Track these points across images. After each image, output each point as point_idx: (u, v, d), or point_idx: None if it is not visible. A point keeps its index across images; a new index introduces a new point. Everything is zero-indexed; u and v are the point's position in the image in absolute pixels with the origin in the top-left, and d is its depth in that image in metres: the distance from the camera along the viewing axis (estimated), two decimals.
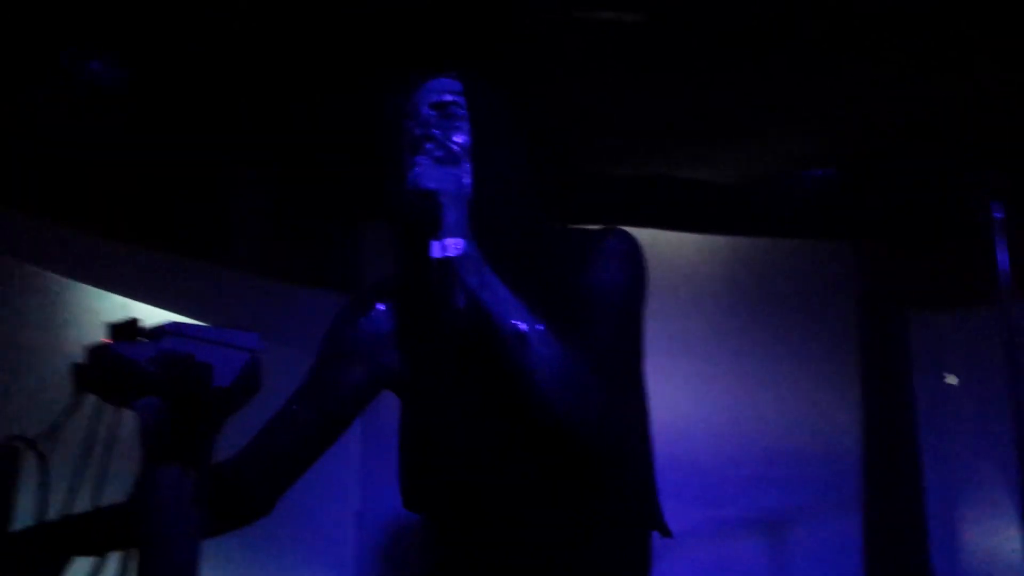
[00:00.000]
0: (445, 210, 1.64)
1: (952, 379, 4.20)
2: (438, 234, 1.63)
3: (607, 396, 1.64)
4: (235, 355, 1.40)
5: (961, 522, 4.14)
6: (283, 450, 1.77)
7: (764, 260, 4.40)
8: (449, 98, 1.77)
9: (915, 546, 4.10)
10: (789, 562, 4.05)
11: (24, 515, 1.45)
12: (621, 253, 1.78)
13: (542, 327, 1.62)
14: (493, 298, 1.63)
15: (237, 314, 3.61)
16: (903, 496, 4.16)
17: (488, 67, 1.87)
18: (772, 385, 4.23)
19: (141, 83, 3.50)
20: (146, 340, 1.39)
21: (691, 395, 4.16)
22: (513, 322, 1.62)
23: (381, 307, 1.88)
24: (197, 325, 1.42)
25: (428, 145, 1.73)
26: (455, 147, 1.75)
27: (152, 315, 1.52)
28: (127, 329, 1.40)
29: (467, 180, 1.72)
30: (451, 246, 1.62)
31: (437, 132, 1.74)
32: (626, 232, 1.81)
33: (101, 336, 1.39)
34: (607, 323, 1.72)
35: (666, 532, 1.84)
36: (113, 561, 1.40)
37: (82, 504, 1.46)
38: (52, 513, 1.45)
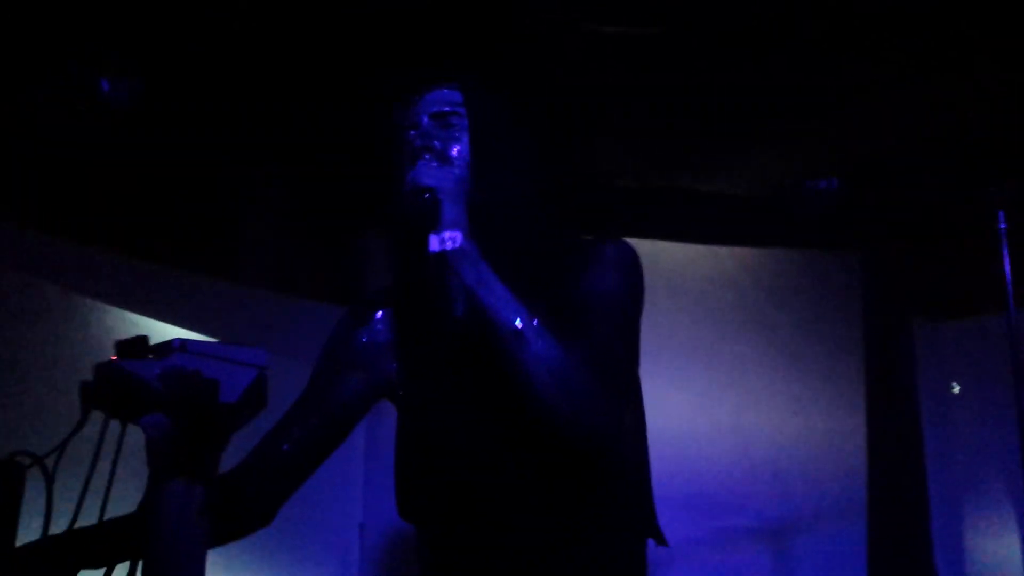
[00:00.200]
0: (444, 206, 1.65)
1: (957, 388, 4.21)
2: (437, 229, 1.63)
3: (603, 398, 1.63)
4: (241, 371, 1.41)
5: (965, 530, 4.14)
6: (283, 460, 1.77)
7: (770, 270, 4.42)
8: (449, 108, 1.78)
9: (919, 554, 4.10)
10: (794, 570, 4.06)
11: (30, 531, 1.45)
12: (618, 261, 1.79)
13: (538, 324, 1.62)
14: (490, 295, 1.63)
15: (243, 328, 3.63)
16: (907, 504, 4.16)
17: (489, 75, 1.87)
18: (778, 394, 4.24)
19: (144, 89, 3.50)
20: (153, 357, 1.40)
21: (697, 404, 4.17)
22: (510, 318, 1.62)
23: (379, 316, 1.89)
24: (203, 341, 1.43)
25: (427, 155, 1.73)
26: (454, 156, 1.75)
27: (160, 331, 1.53)
28: (134, 346, 1.41)
29: (465, 178, 1.73)
30: (449, 239, 1.63)
31: (437, 143, 1.74)
32: (624, 241, 1.82)
33: (109, 353, 1.40)
34: (603, 328, 1.71)
35: (661, 540, 1.85)
36: (119, 574, 1.41)
37: (88, 520, 1.46)
38: (57, 529, 1.45)
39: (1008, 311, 2.82)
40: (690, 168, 4.16)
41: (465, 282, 1.64)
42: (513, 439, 1.68)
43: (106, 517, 1.45)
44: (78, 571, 1.51)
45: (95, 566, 1.49)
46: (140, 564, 1.36)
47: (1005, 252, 2.81)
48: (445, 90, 1.80)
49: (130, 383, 1.37)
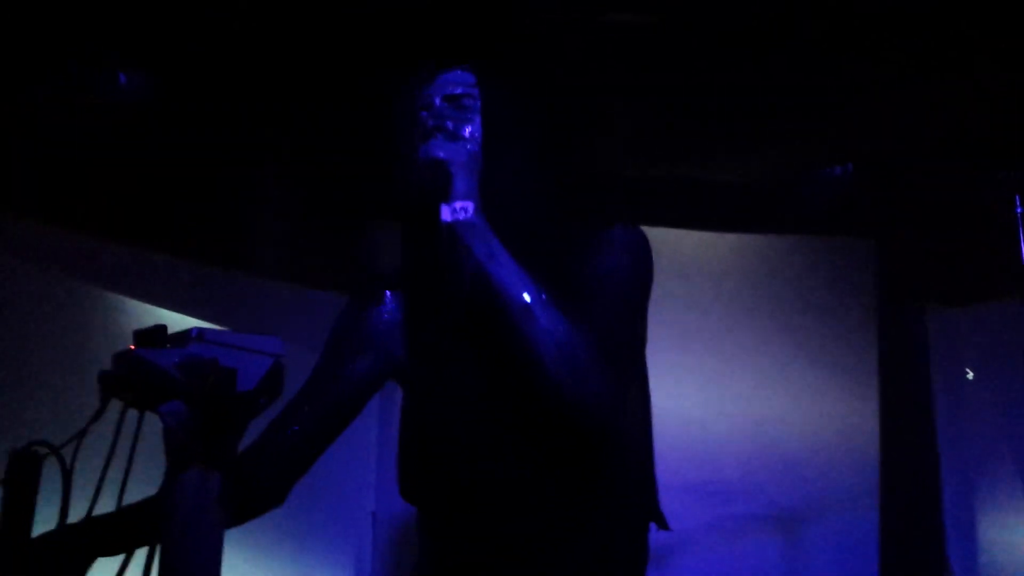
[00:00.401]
0: (456, 178, 1.67)
1: (971, 374, 4.20)
2: (449, 201, 1.65)
3: (609, 375, 1.64)
4: (258, 360, 1.42)
5: (978, 517, 4.13)
6: (293, 440, 1.78)
7: (783, 257, 4.40)
8: (462, 90, 1.79)
9: (931, 540, 4.10)
10: (805, 558, 4.06)
11: (47, 521, 1.45)
12: (627, 244, 1.80)
13: (546, 299, 1.63)
14: (500, 268, 1.64)
15: (258, 318, 3.64)
16: (920, 491, 4.15)
17: (503, 59, 1.88)
18: (790, 381, 4.23)
19: (147, 86, 3.50)
20: (171, 346, 1.41)
21: (709, 391, 4.16)
22: (519, 292, 1.63)
23: (387, 297, 1.89)
24: (221, 331, 1.44)
25: (439, 135, 1.74)
26: (466, 137, 1.76)
27: (176, 322, 1.53)
28: (153, 335, 1.42)
29: (477, 154, 1.73)
30: (461, 210, 1.64)
31: (450, 124, 1.75)
32: (633, 225, 1.83)
33: (125, 344, 1.41)
34: (610, 310, 1.72)
35: (663, 524, 1.85)
36: (137, 561, 1.40)
37: (105, 510, 1.47)
38: (74, 519, 1.45)
39: (1023, 297, 2.82)
40: (699, 162, 4.17)
41: (475, 255, 1.65)
42: (518, 419, 1.69)
43: (123, 505, 1.46)
44: (95, 559, 1.51)
45: (112, 553, 1.49)
46: (157, 552, 1.35)
47: (1022, 237, 2.82)
48: (458, 71, 1.81)
49: (148, 372, 1.37)
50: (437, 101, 1.78)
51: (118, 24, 3.32)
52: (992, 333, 4.03)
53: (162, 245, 3.70)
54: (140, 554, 1.41)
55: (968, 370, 4.21)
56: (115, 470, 1.43)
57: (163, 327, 1.43)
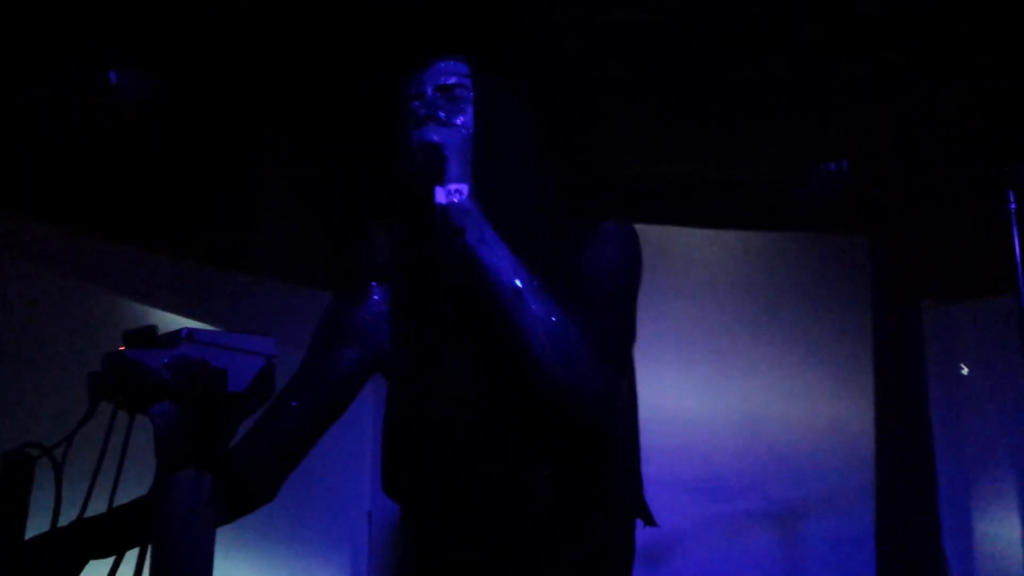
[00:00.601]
0: (449, 161, 1.66)
1: (965, 370, 4.19)
2: (443, 183, 1.65)
3: (600, 364, 1.64)
4: (249, 360, 1.41)
5: (974, 514, 4.10)
6: (283, 436, 1.76)
7: (778, 254, 4.39)
8: (455, 80, 1.78)
9: (928, 538, 4.08)
10: (802, 555, 4.05)
11: (39, 522, 1.44)
12: (616, 237, 1.79)
13: (538, 287, 1.63)
14: (492, 254, 1.64)
15: (255, 317, 3.64)
16: (916, 488, 4.14)
17: (497, 50, 1.88)
18: (786, 378, 4.22)
19: (143, 85, 3.51)
20: (161, 347, 1.39)
21: (706, 389, 4.16)
22: (511, 279, 1.63)
23: (374, 290, 1.89)
24: (211, 331, 1.43)
25: (432, 124, 1.74)
26: (459, 125, 1.76)
27: (168, 321, 1.52)
28: (143, 336, 1.41)
29: (470, 140, 1.73)
30: (455, 192, 1.64)
31: (442, 114, 1.75)
32: (623, 220, 1.82)
33: (117, 344, 1.40)
34: (601, 301, 1.72)
35: (650, 520, 1.84)
36: (129, 563, 1.40)
37: (97, 511, 1.46)
38: (66, 520, 1.45)
39: (1018, 292, 2.80)
40: (697, 159, 4.16)
41: (467, 240, 1.64)
42: (509, 410, 1.67)
43: (115, 507, 1.45)
44: (87, 561, 1.50)
45: (104, 555, 1.49)
46: (148, 553, 1.35)
47: (1015, 232, 2.80)
48: (452, 62, 1.80)
49: (138, 373, 1.36)
50: (430, 91, 1.78)
51: (118, 24, 3.32)
52: (988, 329, 4.00)
53: (158, 244, 3.70)
54: (132, 556, 1.41)
55: (963, 365, 4.19)
56: (107, 471, 1.42)
57: (153, 327, 1.42)
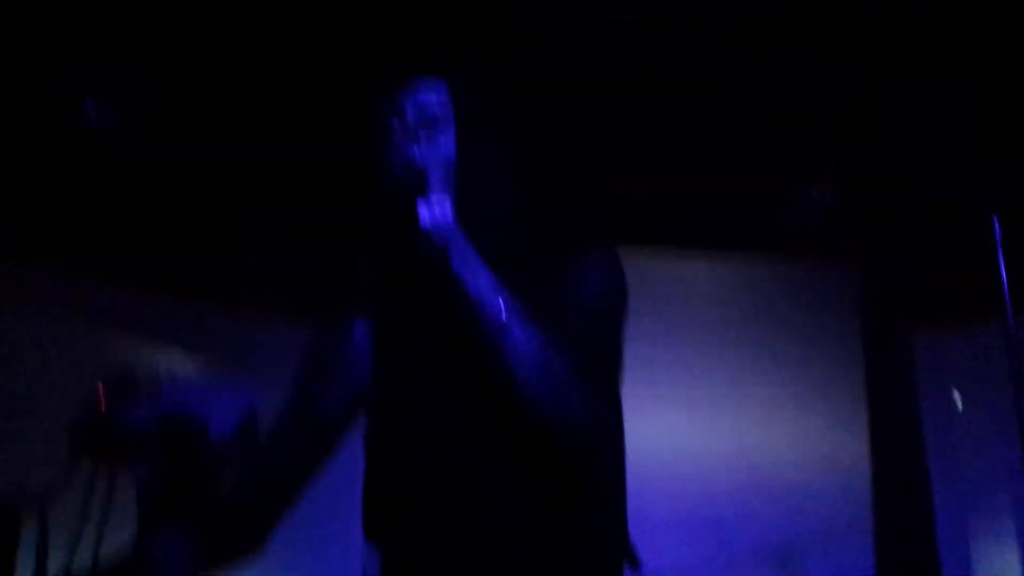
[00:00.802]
0: (431, 180, 1.63)
1: (960, 401, 4.16)
2: (426, 200, 1.61)
3: (584, 392, 1.59)
4: (230, 408, 1.40)
5: (972, 545, 4.07)
6: (271, 484, 1.71)
7: (767, 281, 4.36)
8: (434, 99, 1.76)
9: (926, 566, 4.02)
10: None
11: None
12: (602, 265, 1.74)
13: (522, 312, 1.59)
14: (475, 278, 1.60)
15: (240, 355, 3.62)
16: (913, 516, 4.10)
17: (478, 72, 1.87)
18: (779, 408, 4.18)
19: (128, 111, 3.52)
20: (141, 397, 1.36)
21: (698, 420, 4.12)
22: (494, 303, 1.59)
23: (355, 322, 1.86)
24: (192, 379, 1.41)
25: (412, 144, 1.72)
26: (439, 149, 1.74)
27: (157, 360, 1.49)
28: (122, 384, 1.37)
29: (451, 163, 1.71)
30: (437, 205, 1.60)
31: (422, 133, 1.73)
32: (608, 248, 1.77)
33: (97, 394, 1.36)
34: (587, 329, 1.67)
35: (634, 561, 1.80)
36: None
37: (80, 564, 1.41)
38: (50, 573, 1.40)
39: (1005, 319, 2.80)
40: (685, 174, 4.15)
41: (450, 262, 1.60)
42: (494, 440, 1.62)
43: (99, 563, 1.40)
44: None
45: None
46: None
47: (1001, 259, 2.79)
48: (431, 84, 1.77)
49: (119, 427, 1.33)
50: (408, 113, 1.75)
51: (118, 24, 3.32)
52: (979, 356, 3.97)
53: (147, 281, 3.71)
54: None
55: (957, 394, 4.16)
56: (91, 523, 1.38)
57: (134, 377, 1.39)
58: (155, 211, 3.75)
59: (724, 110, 3.68)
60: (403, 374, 1.74)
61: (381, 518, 1.71)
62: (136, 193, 3.70)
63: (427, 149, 1.68)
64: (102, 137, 3.49)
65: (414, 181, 1.64)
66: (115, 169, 3.63)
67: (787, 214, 4.15)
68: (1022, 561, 3.95)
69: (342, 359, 1.81)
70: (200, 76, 3.56)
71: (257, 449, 1.64)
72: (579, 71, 3.55)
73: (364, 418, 1.80)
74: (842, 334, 4.29)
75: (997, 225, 2.80)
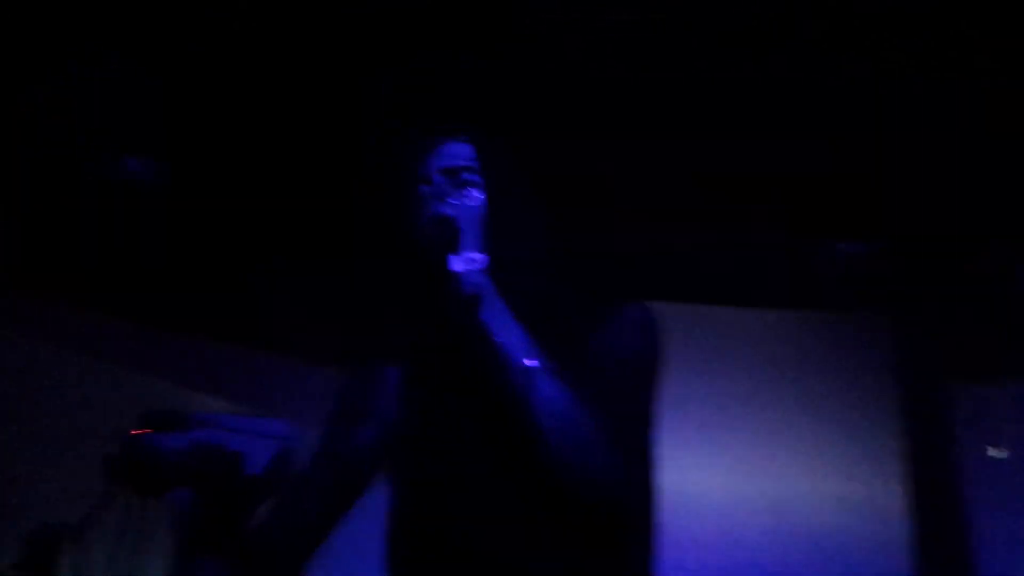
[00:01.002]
0: (463, 234, 1.64)
1: (996, 452, 4.07)
2: (458, 252, 1.62)
3: (613, 451, 1.56)
4: (265, 443, 1.43)
5: None
6: (303, 521, 1.72)
7: (799, 333, 4.33)
8: (461, 163, 1.76)
9: None
10: None
11: None
12: (638, 321, 1.72)
13: (550, 367, 1.58)
14: (503, 331, 1.60)
15: (268, 395, 3.65)
16: (951, 568, 4.00)
17: (502, 129, 1.87)
18: (812, 459, 4.15)
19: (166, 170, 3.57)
20: (177, 431, 1.41)
21: (731, 471, 4.10)
22: (521, 357, 1.58)
23: (387, 366, 1.84)
24: (227, 415, 1.44)
25: (442, 201, 1.72)
26: (469, 203, 1.73)
27: (190, 401, 1.52)
28: (160, 420, 1.42)
29: (482, 219, 1.69)
30: (469, 260, 1.61)
31: (450, 197, 1.71)
32: (644, 303, 1.75)
33: (136, 426, 1.41)
34: (619, 388, 1.65)
35: None
36: None
37: None
38: None
39: None
40: (717, 224, 4.12)
41: (480, 315, 1.60)
42: (520, 495, 1.61)
43: None
44: None
45: None
46: None
47: None
48: (457, 144, 1.78)
49: (155, 458, 1.37)
50: (436, 176, 1.75)
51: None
52: (1018, 408, 3.91)
53: (172, 322, 3.78)
54: None
55: (990, 447, 4.06)
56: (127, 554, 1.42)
57: (171, 411, 1.43)
58: (184, 254, 3.81)
59: (761, 157, 3.69)
60: (429, 422, 1.73)
61: (404, 563, 1.70)
62: (166, 237, 3.77)
63: (457, 205, 1.67)
64: (140, 190, 3.55)
65: (445, 236, 1.64)
66: (148, 216, 3.70)
67: (821, 264, 4.12)
68: None
69: (375, 401, 1.81)
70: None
71: (289, 485, 1.65)
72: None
73: (390, 463, 1.80)
74: (879, 382, 4.25)
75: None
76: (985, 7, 3.11)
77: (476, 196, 1.73)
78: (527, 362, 1.58)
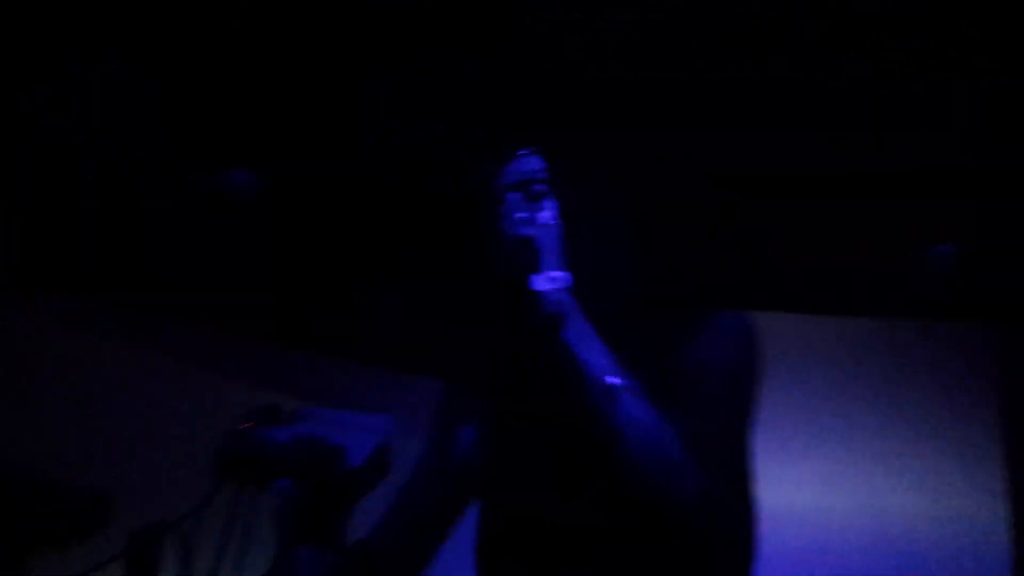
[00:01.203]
0: (544, 253, 1.62)
1: None
2: (539, 272, 1.60)
3: (701, 474, 1.51)
4: (367, 438, 1.47)
5: None
6: (418, 523, 1.74)
7: (899, 342, 4.27)
8: (533, 176, 1.72)
9: None
10: None
11: None
12: (734, 331, 1.67)
13: (635, 386, 1.55)
14: (587, 350, 1.57)
15: (364, 405, 3.78)
16: None
17: (572, 140, 1.85)
18: (911, 470, 4.10)
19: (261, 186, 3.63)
20: (284, 424, 1.47)
21: (826, 481, 4.07)
22: (604, 376, 1.55)
23: (478, 381, 1.85)
24: (331, 409, 1.50)
25: (520, 218, 1.70)
26: (547, 219, 1.71)
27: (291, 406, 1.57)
28: (267, 414, 1.48)
29: (559, 230, 1.66)
30: (551, 279, 1.60)
31: (524, 213, 1.68)
32: (742, 312, 1.70)
33: (243, 423, 1.47)
34: (713, 403, 1.61)
35: None
36: None
37: None
38: None
39: None
40: (813, 234, 4.08)
41: (563, 333, 1.57)
42: (602, 520, 1.59)
43: None
44: None
45: None
46: None
47: None
48: (527, 158, 1.75)
49: (262, 449, 1.43)
50: (508, 191, 1.72)
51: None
52: None
53: (279, 335, 3.90)
54: None
55: None
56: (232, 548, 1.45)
57: (277, 406, 1.49)
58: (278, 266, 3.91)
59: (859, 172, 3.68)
60: (511, 444, 1.74)
61: None
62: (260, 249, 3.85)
63: (534, 222, 1.65)
64: (237, 205, 3.59)
65: (525, 257, 1.62)
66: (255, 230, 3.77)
67: (920, 273, 4.06)
68: None
69: (466, 415, 1.83)
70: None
71: (402, 492, 1.73)
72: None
73: (477, 485, 1.80)
74: (980, 394, 4.18)
75: None
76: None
77: (551, 210, 1.69)
78: (611, 380, 1.55)
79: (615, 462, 1.52)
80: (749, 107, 3.60)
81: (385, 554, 1.70)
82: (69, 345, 3.82)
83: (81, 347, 3.85)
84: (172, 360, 3.85)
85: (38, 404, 3.63)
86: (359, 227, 4.03)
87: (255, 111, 3.71)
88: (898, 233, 4.03)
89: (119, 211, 3.85)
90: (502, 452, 1.75)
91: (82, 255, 3.89)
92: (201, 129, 3.73)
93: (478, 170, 1.79)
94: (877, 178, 3.74)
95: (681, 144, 3.66)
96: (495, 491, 1.74)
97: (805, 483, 3.98)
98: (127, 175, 3.76)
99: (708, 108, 3.70)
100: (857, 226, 3.98)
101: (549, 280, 1.60)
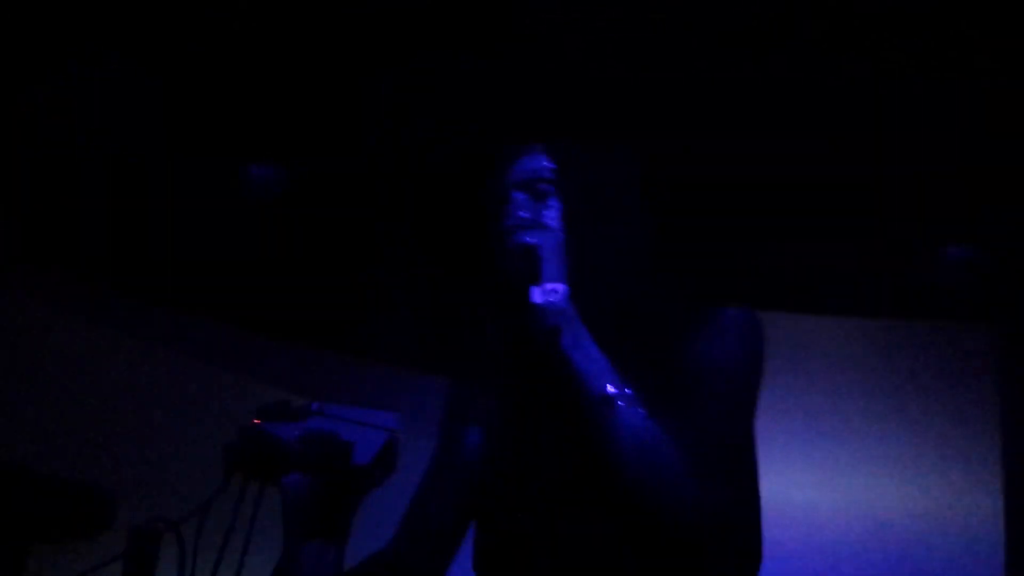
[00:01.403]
0: (545, 263, 1.61)
1: None
2: (539, 284, 1.60)
3: (698, 482, 1.50)
4: (375, 434, 1.48)
5: None
6: (437, 523, 1.74)
7: (901, 341, 4.28)
8: (538, 176, 1.72)
9: None
10: None
11: None
12: (738, 326, 1.65)
13: (631, 394, 1.53)
14: (584, 359, 1.56)
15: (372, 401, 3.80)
16: None
17: (580, 137, 1.84)
18: (910, 470, 4.11)
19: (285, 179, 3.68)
20: (293, 420, 1.47)
21: (826, 480, 4.08)
22: (601, 384, 1.54)
23: (481, 380, 1.83)
24: (339, 406, 1.50)
25: (524, 223, 1.70)
26: (548, 224, 1.70)
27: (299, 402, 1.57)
28: (276, 410, 1.49)
29: (563, 241, 1.65)
30: (551, 291, 1.59)
31: (530, 214, 1.68)
32: (745, 308, 1.67)
33: (252, 418, 1.47)
34: (716, 403, 1.59)
35: None
36: None
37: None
38: None
39: None
40: (817, 237, 4.08)
41: (560, 343, 1.56)
42: (600, 528, 1.57)
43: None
44: None
45: None
46: None
47: None
48: (533, 156, 1.74)
49: (271, 444, 1.44)
50: (514, 191, 1.71)
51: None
52: None
53: (288, 333, 3.92)
54: None
55: None
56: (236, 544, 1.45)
57: (286, 402, 1.50)
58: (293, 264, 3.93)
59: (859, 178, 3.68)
60: (510, 451, 1.72)
61: None
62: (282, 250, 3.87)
63: (542, 231, 1.65)
64: (265, 201, 3.63)
65: (526, 268, 1.62)
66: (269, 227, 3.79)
67: (923, 274, 4.07)
68: None
69: (474, 409, 1.82)
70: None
71: (417, 496, 1.73)
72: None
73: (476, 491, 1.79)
74: (978, 397, 4.18)
75: None
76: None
77: (555, 209, 1.69)
78: (608, 390, 1.54)
79: (612, 471, 1.51)
80: (749, 107, 3.59)
81: (404, 563, 1.69)
82: (70, 343, 3.82)
83: (83, 345, 3.85)
84: (180, 357, 3.86)
85: (40, 401, 3.63)
86: (366, 226, 4.04)
87: (255, 111, 3.71)
88: (898, 233, 4.05)
89: (119, 210, 3.85)
90: (501, 457, 1.74)
91: (83, 253, 3.89)
92: (201, 129, 3.73)
93: (479, 169, 1.79)
94: (877, 178, 3.74)
95: (681, 144, 3.65)
96: (493, 498, 1.73)
97: (804, 482, 3.98)
98: (127, 175, 3.76)
99: (708, 108, 3.69)
100: (857, 226, 3.99)
101: (548, 292, 1.59)
